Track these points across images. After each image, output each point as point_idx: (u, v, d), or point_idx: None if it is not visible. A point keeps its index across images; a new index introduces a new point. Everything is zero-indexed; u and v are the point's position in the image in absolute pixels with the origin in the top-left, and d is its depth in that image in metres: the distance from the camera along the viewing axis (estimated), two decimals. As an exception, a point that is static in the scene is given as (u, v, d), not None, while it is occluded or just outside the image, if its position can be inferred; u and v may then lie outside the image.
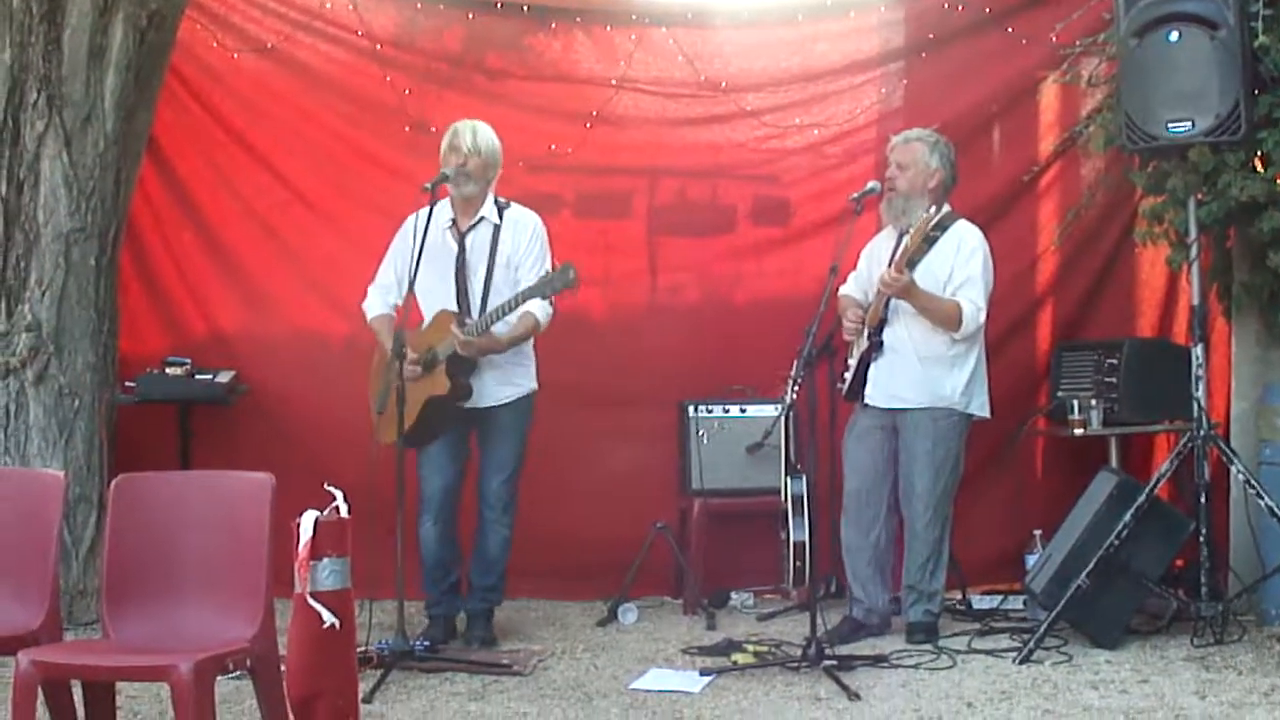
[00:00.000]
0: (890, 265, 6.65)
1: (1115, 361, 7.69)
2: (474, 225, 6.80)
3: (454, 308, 6.71)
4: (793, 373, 6.52)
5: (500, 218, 6.82)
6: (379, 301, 6.95)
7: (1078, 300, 8.37)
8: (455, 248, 6.78)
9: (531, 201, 7.05)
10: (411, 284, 6.47)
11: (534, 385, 6.91)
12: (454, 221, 6.81)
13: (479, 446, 6.92)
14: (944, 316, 6.66)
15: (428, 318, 6.80)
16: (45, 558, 4.85)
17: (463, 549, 6.97)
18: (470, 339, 6.50)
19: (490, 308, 6.61)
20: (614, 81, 8.43)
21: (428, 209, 6.45)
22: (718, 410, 7.98)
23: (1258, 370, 7.24)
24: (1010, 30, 8.22)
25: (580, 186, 8.47)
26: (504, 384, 6.80)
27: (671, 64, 8.45)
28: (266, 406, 8.12)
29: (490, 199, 6.84)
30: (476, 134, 6.76)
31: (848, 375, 7.01)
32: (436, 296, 6.76)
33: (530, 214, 6.92)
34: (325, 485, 4.34)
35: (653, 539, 7.69)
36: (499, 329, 6.58)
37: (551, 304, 6.62)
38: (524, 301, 6.48)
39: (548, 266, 6.66)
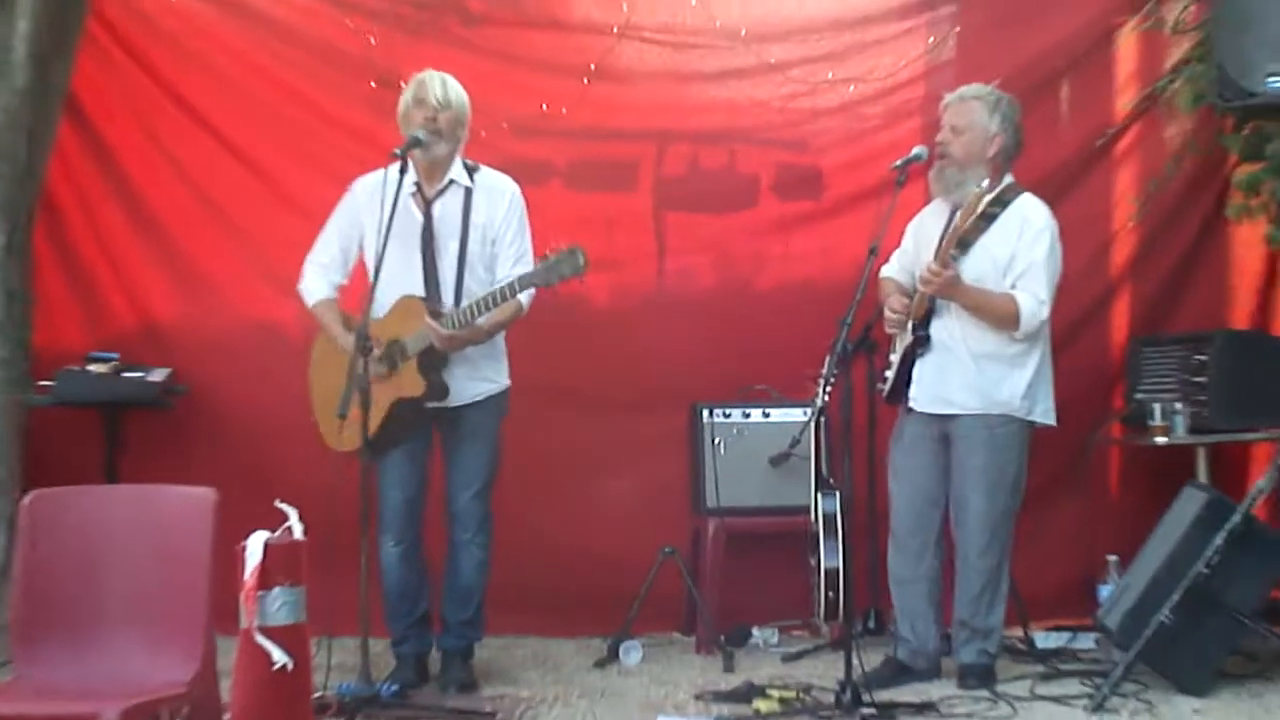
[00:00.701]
0: (934, 257, 6.61)
1: (1204, 358, 7.69)
2: (441, 191, 6.74)
3: (419, 290, 6.65)
4: (824, 371, 6.51)
5: (471, 181, 6.78)
6: (321, 283, 6.89)
7: (1160, 286, 8.39)
8: (420, 218, 6.71)
9: (519, 170, 7.01)
10: (378, 267, 6.34)
11: (507, 381, 6.88)
12: (418, 187, 6.73)
13: (445, 454, 6.88)
14: (998, 315, 6.60)
15: (385, 301, 6.65)
16: (-54, 586, 4.85)
17: (432, 576, 6.95)
18: (453, 332, 6.45)
19: (465, 288, 6.58)
20: (615, 29, 8.42)
21: (397, 175, 6.36)
22: (736, 415, 7.97)
23: (1373, 367, 7.25)
24: (1082, -33, 8.23)
25: (575, 153, 8.46)
26: (475, 379, 6.75)
27: (682, 8, 8.45)
28: (207, 410, 8.11)
29: (458, 161, 6.79)
30: (446, 85, 6.69)
31: (889, 374, 6.98)
32: (398, 276, 6.61)
33: (506, 179, 6.87)
34: (276, 502, 4.33)
35: (660, 565, 7.68)
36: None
37: (531, 284, 6.60)
38: (521, 290, 6.41)
39: (528, 242, 6.64)
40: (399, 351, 6.57)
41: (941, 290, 6.58)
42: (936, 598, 6.93)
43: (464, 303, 6.53)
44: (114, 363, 7.85)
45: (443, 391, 6.64)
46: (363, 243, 6.69)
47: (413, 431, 6.72)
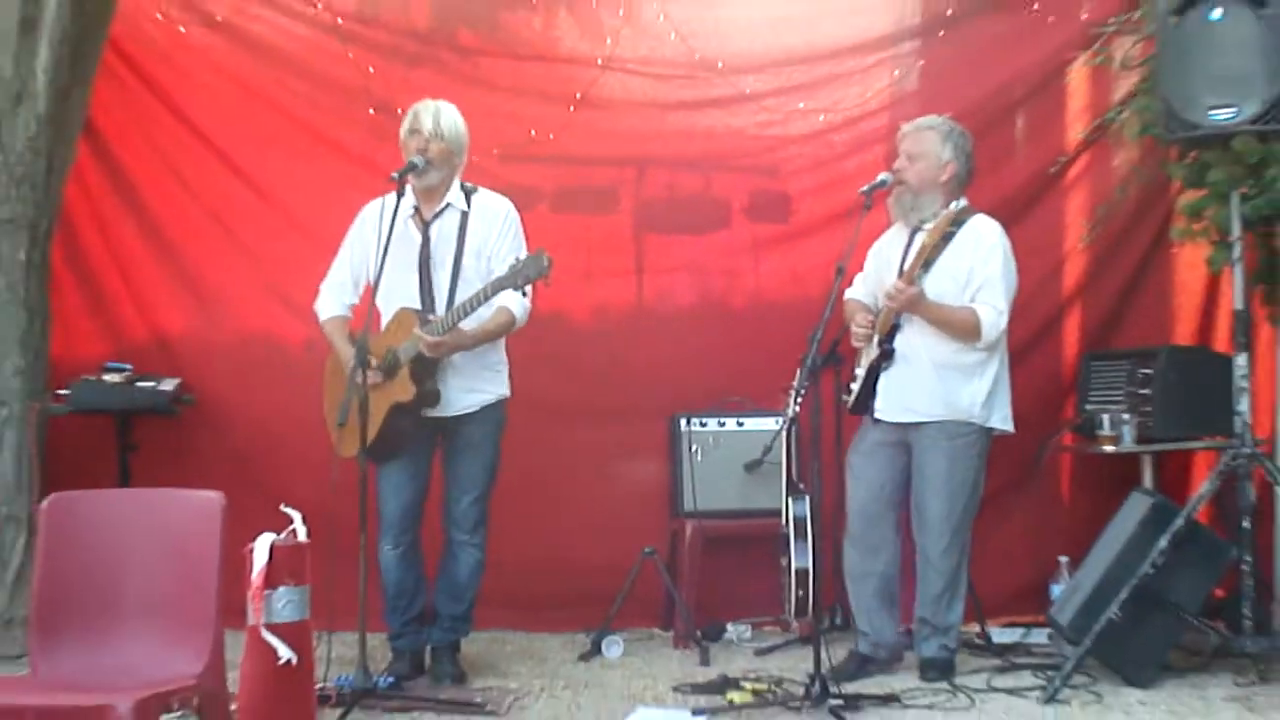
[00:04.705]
0: (899, 275, 6.64)
1: (1150, 372, 7.69)
2: (439, 213, 6.72)
3: (416, 304, 6.65)
4: (795, 383, 6.50)
5: (468, 204, 6.76)
6: (333, 302, 6.87)
7: (1108, 304, 8.39)
8: (419, 239, 6.70)
9: (508, 194, 6.99)
10: (376, 283, 6.40)
11: (505, 391, 6.85)
12: (417, 210, 6.73)
13: (445, 461, 6.86)
14: (961, 328, 6.63)
15: (387, 316, 6.70)
16: (-32, 585, 4.83)
17: (428, 574, 6.94)
18: (438, 338, 6.44)
19: (458, 303, 6.56)
20: (599, 61, 8.42)
21: (395, 199, 6.40)
22: (712, 424, 7.96)
23: (1306, 382, 7.26)
24: (1036, 7, 8.26)
25: (560, 178, 8.44)
26: (470, 390, 6.72)
27: (662, 42, 8.45)
28: (215, 418, 8.09)
29: (456, 185, 6.78)
30: (439, 117, 6.68)
31: (854, 386, 6.97)
32: (398, 293, 6.65)
33: (501, 199, 6.86)
34: (282, 506, 4.32)
35: (640, 565, 7.67)
36: (467, 324, 6.53)
37: (528, 297, 6.58)
38: (494, 294, 6.38)
39: (522, 254, 6.62)
40: (393, 360, 6.55)
41: (906, 306, 6.59)
42: (893, 593, 6.93)
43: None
44: (127, 373, 7.84)
45: (434, 398, 6.61)
46: (369, 264, 6.63)
47: (412, 441, 6.69)
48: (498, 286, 6.36)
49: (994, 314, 6.61)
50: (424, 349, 6.44)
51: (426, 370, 6.57)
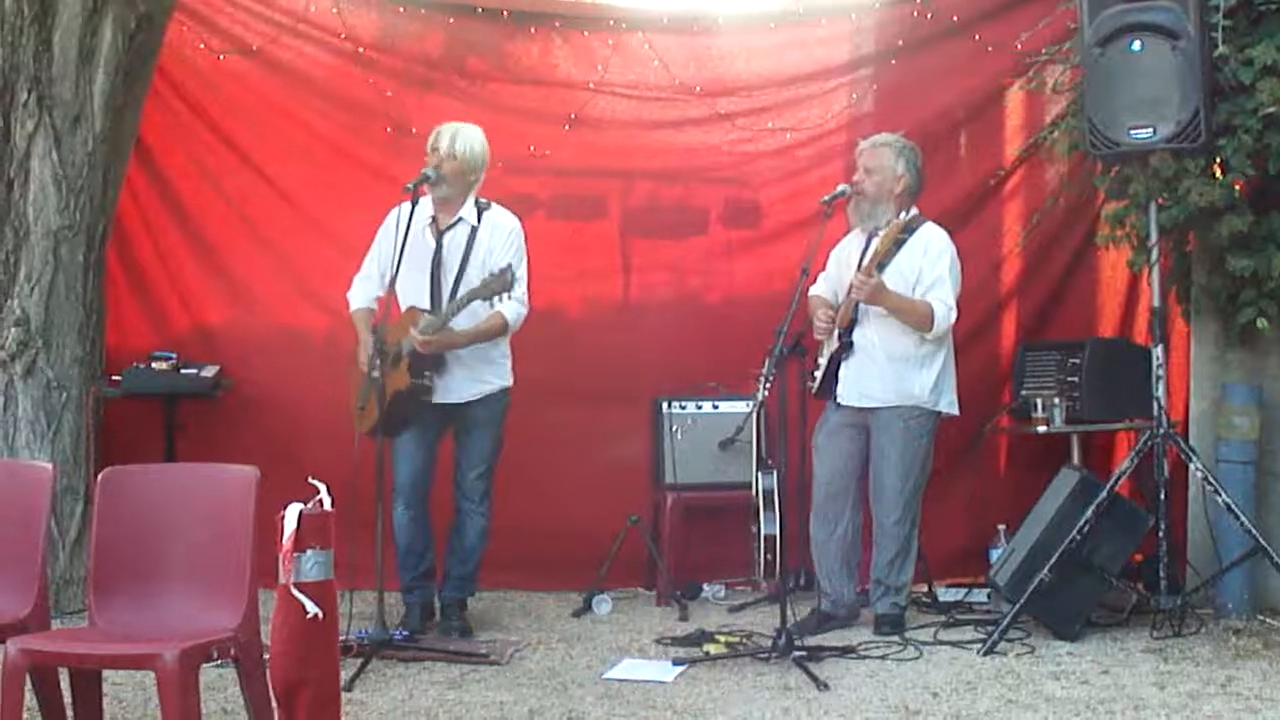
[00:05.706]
0: (860, 268, 6.66)
1: (1078, 361, 7.73)
2: (452, 225, 6.76)
3: (427, 304, 6.67)
4: (764, 371, 6.54)
5: (479, 219, 6.77)
6: (361, 293, 6.91)
7: (1041, 301, 8.42)
8: (433, 245, 6.74)
9: (509, 202, 7.00)
10: (393, 282, 6.45)
11: (507, 382, 6.88)
12: (434, 219, 6.77)
13: (455, 441, 6.91)
14: (916, 318, 6.65)
15: (403, 309, 6.76)
16: (33, 548, 4.82)
17: (437, 538, 6.95)
18: (427, 337, 6.48)
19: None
20: (591, 85, 8.42)
21: (410, 207, 6.46)
22: (691, 406, 7.97)
23: (1216, 370, 7.27)
24: (977, 38, 8.25)
25: (556, 188, 8.44)
26: (474, 381, 6.77)
27: (647, 68, 8.45)
28: (250, 400, 8.08)
29: (470, 201, 6.79)
30: (455, 138, 6.71)
31: (817, 374, 7.00)
32: (412, 291, 6.72)
33: (510, 216, 6.88)
34: (309, 478, 4.33)
35: (627, 532, 7.71)
36: (460, 324, 6.56)
37: (525, 304, 6.60)
38: (467, 303, 6.47)
39: (523, 268, 6.64)
40: (398, 353, 6.58)
41: (870, 295, 6.59)
42: (851, 558, 6.95)
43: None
44: (173, 361, 7.84)
45: (426, 390, 6.66)
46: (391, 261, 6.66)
47: (419, 418, 6.74)
48: (470, 297, 6.45)
49: (945, 308, 6.65)
50: (417, 346, 6.49)
51: (423, 364, 6.61)
